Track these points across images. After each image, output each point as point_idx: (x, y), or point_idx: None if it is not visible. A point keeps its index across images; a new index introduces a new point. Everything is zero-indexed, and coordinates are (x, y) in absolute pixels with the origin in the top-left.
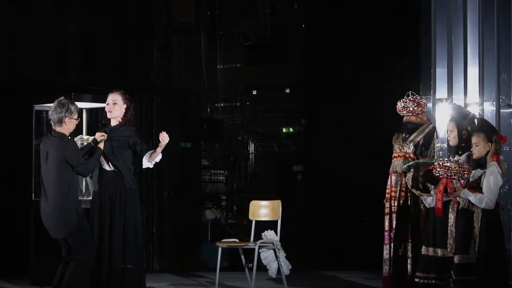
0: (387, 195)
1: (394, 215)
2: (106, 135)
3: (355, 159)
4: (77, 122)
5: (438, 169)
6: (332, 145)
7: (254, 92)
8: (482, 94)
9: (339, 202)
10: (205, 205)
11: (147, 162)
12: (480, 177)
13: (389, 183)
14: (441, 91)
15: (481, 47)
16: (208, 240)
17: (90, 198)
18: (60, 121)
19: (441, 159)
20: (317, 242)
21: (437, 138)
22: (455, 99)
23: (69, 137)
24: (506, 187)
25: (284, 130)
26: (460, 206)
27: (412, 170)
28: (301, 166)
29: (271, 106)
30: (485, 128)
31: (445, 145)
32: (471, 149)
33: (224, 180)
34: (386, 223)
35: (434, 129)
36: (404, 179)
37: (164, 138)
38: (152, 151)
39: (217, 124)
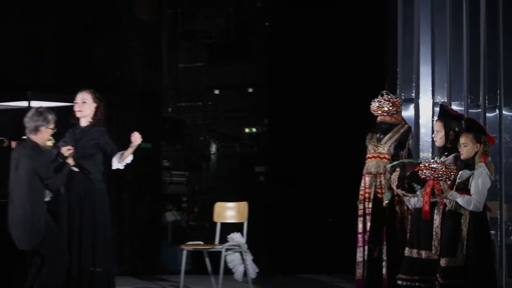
0: (360, 197)
1: (368, 217)
2: (72, 149)
3: (320, 160)
4: (52, 132)
5: (425, 171)
6: (296, 146)
7: (217, 92)
8: (449, 94)
9: (305, 203)
10: (166, 207)
11: (117, 163)
12: (468, 179)
13: (362, 184)
14: (407, 91)
15: (449, 46)
16: (168, 243)
17: (48, 199)
18: (36, 130)
19: (427, 160)
20: (285, 245)
21: (412, 138)
22: (421, 98)
23: (43, 148)
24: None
25: (246, 130)
26: (447, 208)
27: (397, 169)
28: (263, 167)
29: (234, 105)
30: (474, 129)
31: (429, 154)
32: (459, 150)
33: (185, 182)
34: (360, 225)
35: (409, 129)
36: (378, 180)
37: (136, 138)
38: (122, 152)
39: (179, 124)
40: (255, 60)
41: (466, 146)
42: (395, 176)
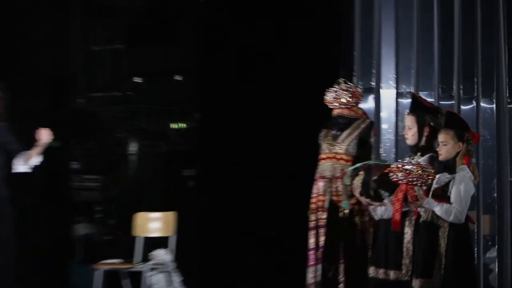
0: (312, 206)
1: (321, 230)
2: None
3: (263, 161)
4: None
5: (397, 173)
6: (234, 145)
7: (138, 80)
8: (417, 83)
9: (244, 214)
10: (76, 218)
11: (21, 165)
12: (447, 184)
13: (315, 191)
14: (365, 78)
15: (416, 26)
16: (79, 261)
17: None
18: None
19: (399, 160)
20: (220, 263)
21: (374, 135)
22: (383, 88)
23: None
24: None
25: (174, 125)
26: (421, 219)
27: (361, 173)
28: (193, 170)
29: (158, 96)
30: (456, 124)
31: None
32: (437, 149)
33: (100, 187)
34: (311, 240)
35: (371, 124)
36: (334, 185)
37: (43, 136)
38: (26, 152)
39: (92, 118)
40: (184, 43)
41: (446, 145)
42: (358, 180)
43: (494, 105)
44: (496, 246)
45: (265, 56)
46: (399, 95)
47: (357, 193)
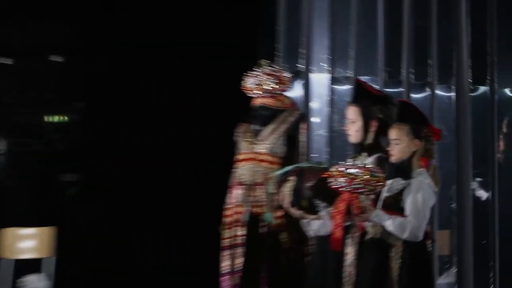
0: (226, 219)
1: (239, 250)
2: None
3: (165, 163)
4: None
5: (339, 179)
6: (127, 143)
7: (5, 61)
8: (356, 65)
9: (138, 229)
10: None
11: None
12: (400, 192)
13: (230, 200)
14: (292, 60)
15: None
16: None
17: None
18: None
19: (341, 163)
20: None
21: (305, 131)
22: (314, 72)
23: None
24: None
25: (51, 118)
26: (368, 236)
27: (291, 178)
28: (76, 173)
29: (32, 81)
30: (411, 117)
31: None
32: (388, 148)
33: None
34: (225, 263)
35: (302, 117)
36: (255, 193)
37: None
38: None
39: None
40: (65, 16)
41: (399, 144)
42: (287, 188)
43: (454, 93)
44: (455, 269)
45: (168, 33)
46: (334, 80)
47: (286, 203)
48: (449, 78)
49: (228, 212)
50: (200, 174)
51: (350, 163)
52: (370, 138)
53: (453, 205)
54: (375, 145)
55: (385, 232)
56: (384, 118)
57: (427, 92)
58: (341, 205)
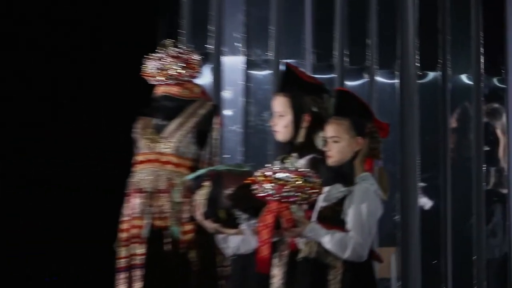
0: (123, 235)
1: (138, 272)
2: None
3: (46, 165)
4: None
5: (265, 185)
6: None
7: None
8: (278, 46)
9: (10, 246)
10: None
11: None
12: (341, 201)
13: (127, 211)
14: (197, 40)
15: None
16: None
17: None
18: None
19: (268, 166)
20: None
21: (220, 126)
22: (225, 54)
23: None
24: None
25: None
26: (300, 255)
27: (205, 184)
28: None
29: None
30: (353, 110)
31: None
32: (324, 148)
33: None
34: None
35: (215, 109)
36: (158, 203)
37: None
38: None
39: None
40: None
41: (338, 142)
42: (201, 196)
43: (398, 80)
44: None
45: (48, 7)
46: (250, 64)
47: (198, 215)
48: (391, 62)
49: (124, 226)
50: (89, 179)
51: (279, 167)
52: (301, 136)
53: (397, 218)
54: (308, 144)
55: (322, 251)
56: (319, 111)
57: (365, 78)
58: (268, 217)
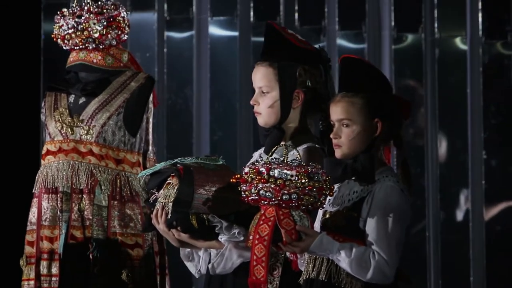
0: (30, 250)
1: None
2: None
3: None
4: None
5: (259, 185)
6: None
7: None
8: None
9: None
10: None
11: None
12: (356, 205)
13: (35, 218)
14: None
15: None
16: None
17: None
18: None
19: (261, 159)
20: None
21: (156, 105)
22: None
23: None
24: None
25: None
26: (304, 277)
27: (171, 182)
28: None
29: None
30: (367, 84)
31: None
32: (332, 136)
33: None
34: None
35: (150, 83)
36: (78, 206)
37: None
38: None
39: None
40: None
41: (350, 126)
42: (165, 198)
43: (365, 45)
44: None
45: None
46: (167, 23)
47: (160, 222)
48: (357, 21)
49: (31, 238)
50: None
51: (275, 161)
52: (292, 119)
53: None
54: (301, 130)
55: (335, 270)
56: (315, 85)
57: (322, 42)
58: (264, 228)
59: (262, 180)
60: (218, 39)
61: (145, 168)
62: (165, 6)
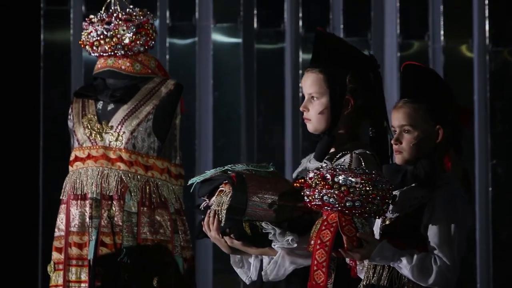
0: (58, 256)
1: None
2: None
3: None
4: None
5: (323, 191)
6: None
7: None
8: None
9: None
10: None
11: None
12: (418, 212)
13: (63, 224)
14: None
15: None
16: None
17: None
18: None
19: (324, 165)
20: None
21: (183, 112)
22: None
23: None
24: None
25: None
26: (364, 282)
27: (224, 189)
28: None
29: None
30: (430, 91)
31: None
32: (393, 141)
33: None
34: None
35: (179, 90)
36: (108, 213)
37: None
38: None
39: None
40: None
41: (412, 133)
42: (218, 205)
43: (370, 52)
44: None
45: None
46: (170, 31)
47: (212, 229)
48: (362, 27)
49: (59, 244)
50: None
51: (339, 168)
52: (344, 125)
53: None
54: (352, 136)
55: (397, 276)
56: (365, 92)
57: None
58: (326, 233)
59: (326, 186)
60: (221, 46)
61: (170, 174)
62: (168, 12)
